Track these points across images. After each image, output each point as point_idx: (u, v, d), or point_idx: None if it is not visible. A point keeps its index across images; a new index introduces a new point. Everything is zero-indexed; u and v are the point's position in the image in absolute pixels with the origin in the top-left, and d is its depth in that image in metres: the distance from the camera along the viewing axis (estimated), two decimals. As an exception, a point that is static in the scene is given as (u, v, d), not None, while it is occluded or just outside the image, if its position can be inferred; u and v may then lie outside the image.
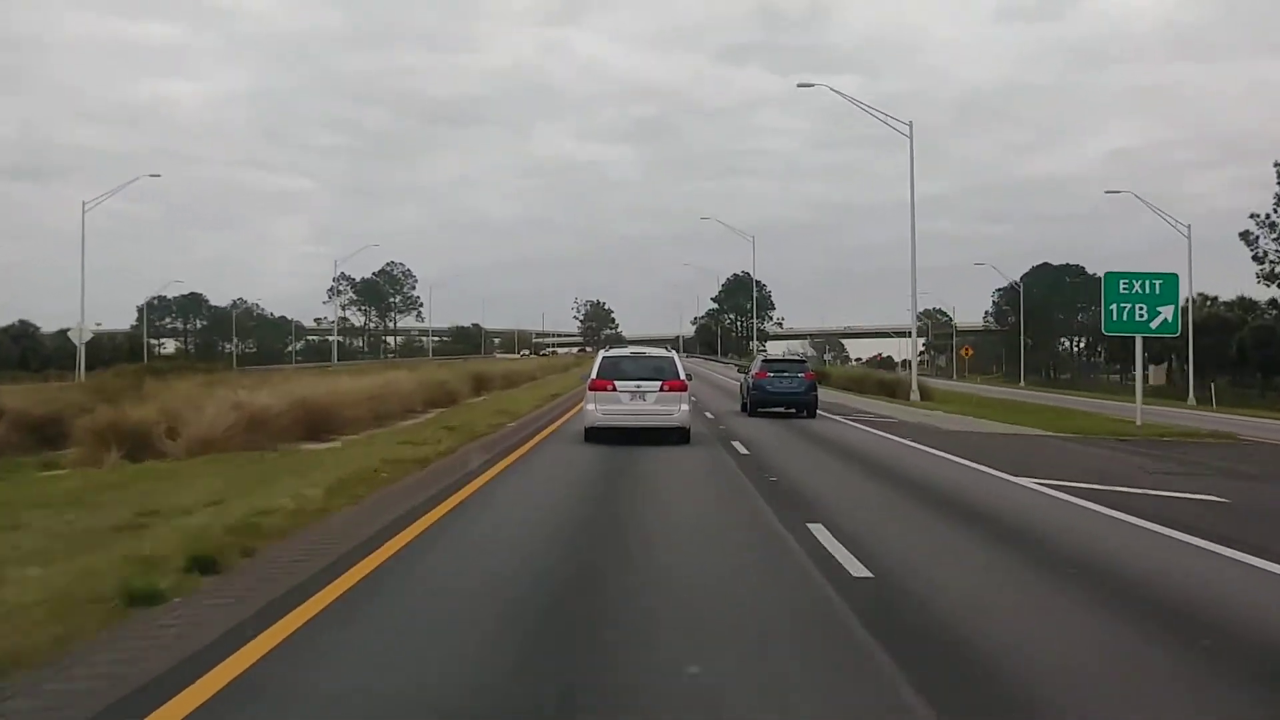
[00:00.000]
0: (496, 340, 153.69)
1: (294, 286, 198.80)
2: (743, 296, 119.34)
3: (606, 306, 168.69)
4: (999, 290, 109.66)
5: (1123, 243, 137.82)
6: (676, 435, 18.39)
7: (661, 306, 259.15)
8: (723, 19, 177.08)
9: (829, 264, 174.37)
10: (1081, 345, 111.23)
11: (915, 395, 38.98)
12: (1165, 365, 78.76)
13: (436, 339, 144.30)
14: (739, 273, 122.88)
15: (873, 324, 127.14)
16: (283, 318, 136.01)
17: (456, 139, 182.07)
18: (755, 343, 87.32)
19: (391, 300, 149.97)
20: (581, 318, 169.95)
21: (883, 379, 50.47)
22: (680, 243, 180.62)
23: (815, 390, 28.52)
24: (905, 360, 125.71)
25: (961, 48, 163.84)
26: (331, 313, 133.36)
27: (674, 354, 20.50)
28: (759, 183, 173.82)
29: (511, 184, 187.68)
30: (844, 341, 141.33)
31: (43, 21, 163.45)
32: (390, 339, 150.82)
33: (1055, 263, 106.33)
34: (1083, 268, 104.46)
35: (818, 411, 27.57)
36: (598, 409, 18.69)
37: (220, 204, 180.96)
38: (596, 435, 18.22)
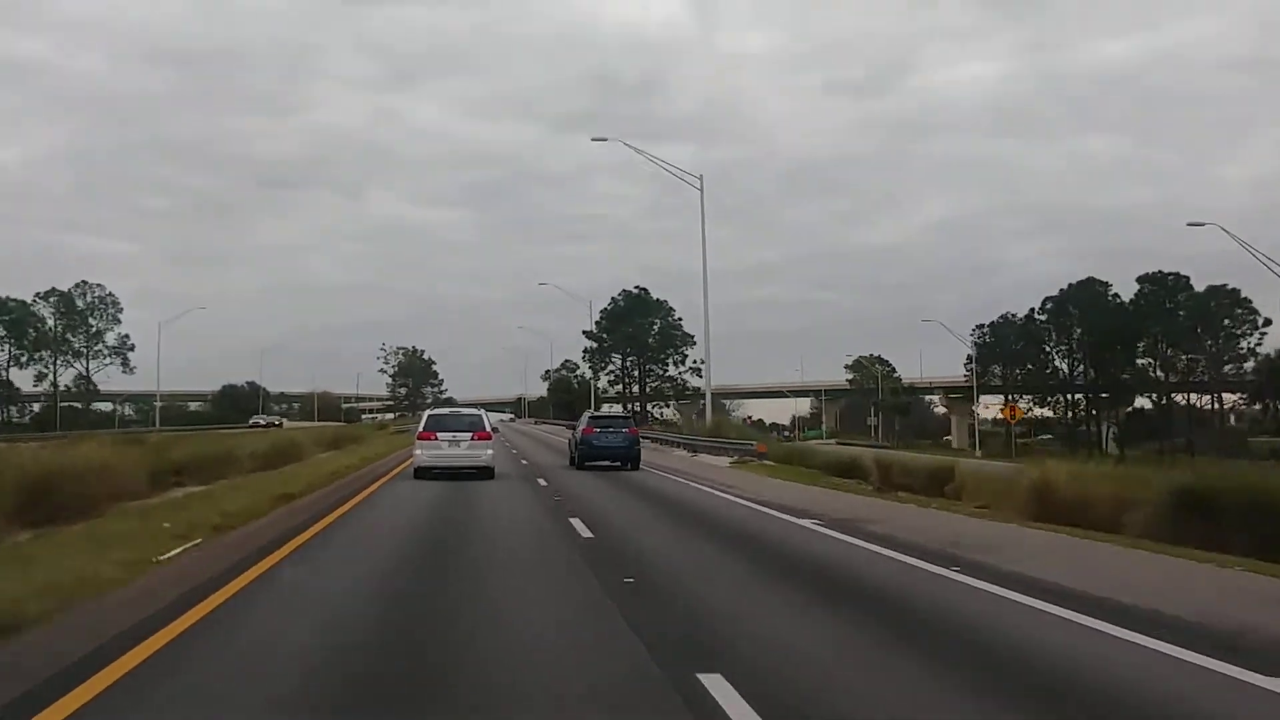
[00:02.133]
0: (296, 405, 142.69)
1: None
2: (635, 330, 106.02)
3: (425, 356, 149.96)
4: (976, 342, 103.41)
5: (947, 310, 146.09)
6: (485, 473, 24.71)
7: (500, 371, 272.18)
8: (558, 87, 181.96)
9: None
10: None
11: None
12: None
13: (198, 403, 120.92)
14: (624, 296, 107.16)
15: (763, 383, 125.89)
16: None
17: (287, 202, 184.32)
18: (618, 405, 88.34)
19: (73, 344, 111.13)
20: (393, 371, 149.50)
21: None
22: (517, 307, 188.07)
23: (638, 445, 31.29)
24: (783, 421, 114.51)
25: (792, 119, 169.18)
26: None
27: (483, 413, 28.26)
28: (597, 248, 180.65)
29: (344, 248, 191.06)
30: (746, 401, 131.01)
31: None
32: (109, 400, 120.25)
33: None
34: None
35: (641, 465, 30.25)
36: (424, 454, 25.14)
37: (35, 267, 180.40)
38: (424, 474, 24.39)
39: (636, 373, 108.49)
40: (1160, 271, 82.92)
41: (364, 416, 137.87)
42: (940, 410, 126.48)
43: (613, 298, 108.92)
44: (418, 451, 25.42)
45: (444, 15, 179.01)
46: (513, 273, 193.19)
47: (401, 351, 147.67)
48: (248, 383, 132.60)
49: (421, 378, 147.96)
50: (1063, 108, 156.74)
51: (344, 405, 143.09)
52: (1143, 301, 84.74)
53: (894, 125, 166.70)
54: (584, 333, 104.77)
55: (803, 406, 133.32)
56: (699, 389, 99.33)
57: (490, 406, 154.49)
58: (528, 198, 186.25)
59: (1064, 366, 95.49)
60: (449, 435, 25.27)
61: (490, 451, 25.54)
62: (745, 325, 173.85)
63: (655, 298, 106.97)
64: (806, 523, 15.39)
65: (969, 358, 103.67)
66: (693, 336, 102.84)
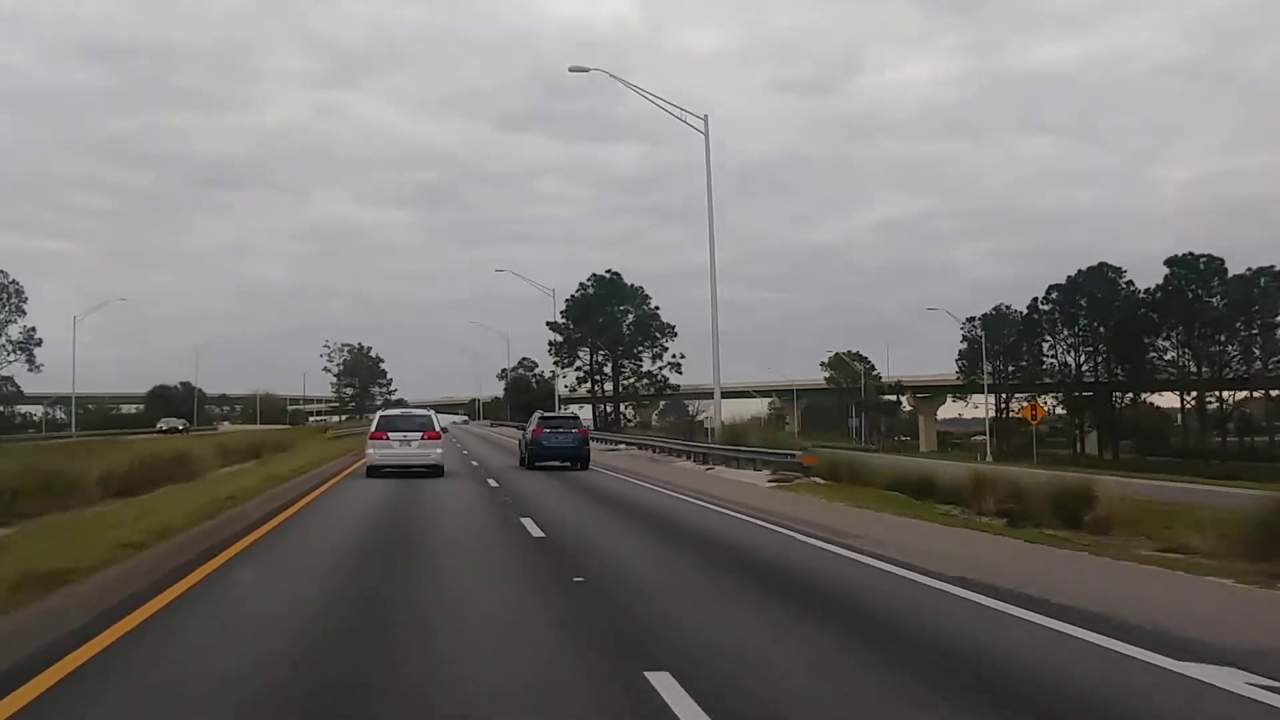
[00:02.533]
0: (238, 408, 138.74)
1: (54, 355, 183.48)
2: (607, 320, 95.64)
3: (373, 354, 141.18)
4: (966, 335, 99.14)
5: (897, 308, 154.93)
6: (434, 471, 26.00)
7: (453, 372, 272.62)
8: (503, 86, 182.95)
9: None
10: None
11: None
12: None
13: (132, 405, 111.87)
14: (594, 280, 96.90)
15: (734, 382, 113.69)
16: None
17: (229, 202, 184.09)
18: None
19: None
20: (338, 370, 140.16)
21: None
22: (466, 308, 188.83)
23: (588, 445, 31.71)
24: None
25: (741, 119, 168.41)
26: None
27: (432, 413, 29.36)
28: (543, 249, 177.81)
29: (287, 248, 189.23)
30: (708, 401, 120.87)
31: None
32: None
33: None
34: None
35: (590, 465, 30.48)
36: (376, 452, 26.22)
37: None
38: (376, 472, 25.53)
39: (609, 368, 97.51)
40: (1190, 254, 75.88)
41: (311, 419, 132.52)
42: (908, 409, 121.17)
43: (581, 283, 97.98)
44: (370, 450, 26.48)
45: (386, 10, 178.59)
46: (461, 273, 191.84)
47: (347, 349, 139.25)
48: (181, 383, 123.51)
49: (369, 377, 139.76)
50: (1001, 111, 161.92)
51: (290, 407, 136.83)
52: (1171, 286, 77.41)
53: (842, 125, 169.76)
54: (547, 324, 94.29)
55: (759, 408, 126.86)
56: (678, 386, 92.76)
57: (443, 408, 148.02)
58: (473, 198, 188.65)
59: (1070, 360, 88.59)
60: (400, 435, 26.41)
61: (439, 450, 26.81)
62: (699, 326, 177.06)
63: (630, 283, 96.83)
64: (1042, 620, 8.24)
65: (960, 354, 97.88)
66: (673, 327, 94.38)
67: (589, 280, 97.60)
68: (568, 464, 30.19)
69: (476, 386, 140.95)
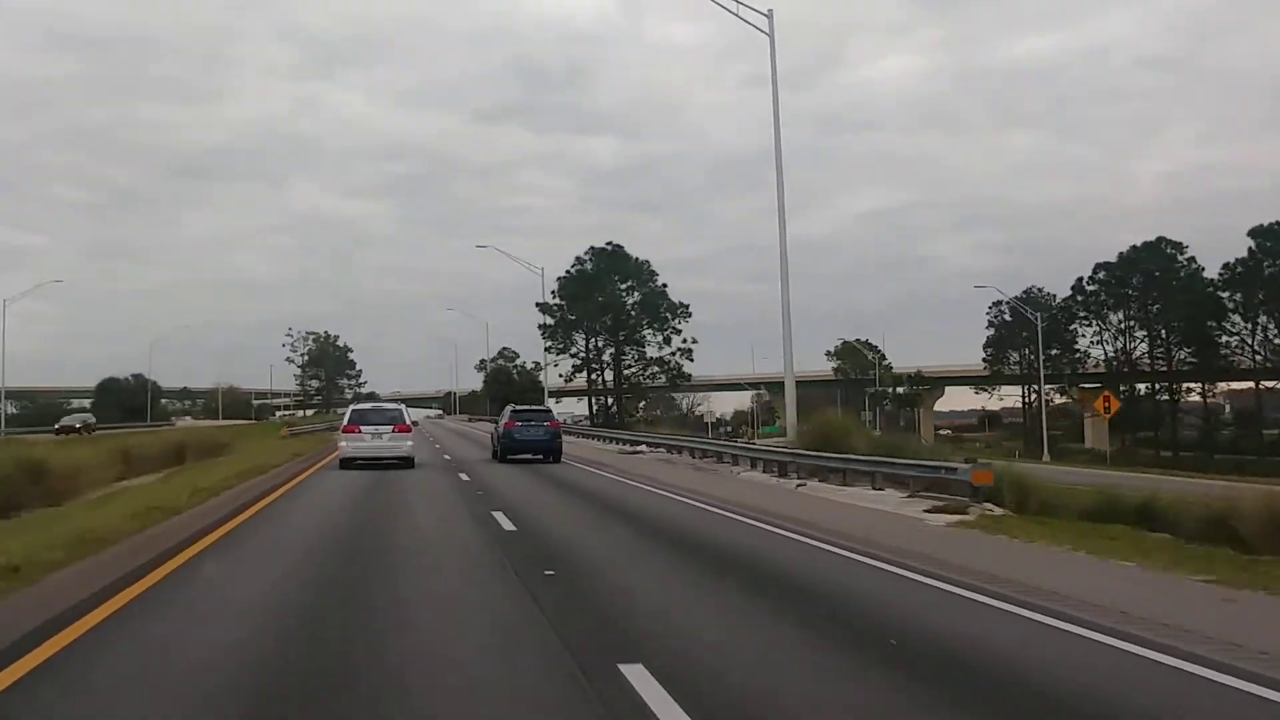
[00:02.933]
0: (199, 402, 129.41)
1: (16, 348, 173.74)
2: (608, 300, 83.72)
3: (340, 343, 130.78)
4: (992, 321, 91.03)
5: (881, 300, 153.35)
6: (405, 463, 26.96)
7: (429, 365, 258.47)
8: (483, 77, 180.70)
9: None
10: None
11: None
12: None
13: (86, 399, 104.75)
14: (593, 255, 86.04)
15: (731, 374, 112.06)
16: None
17: (207, 194, 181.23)
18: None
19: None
20: (303, 360, 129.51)
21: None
22: (443, 300, 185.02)
23: (560, 438, 32.08)
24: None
25: (719, 111, 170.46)
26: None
27: (403, 407, 30.43)
28: (523, 241, 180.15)
29: (266, 240, 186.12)
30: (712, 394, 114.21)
31: None
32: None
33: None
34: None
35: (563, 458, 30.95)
36: (349, 445, 27.11)
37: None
38: (349, 464, 26.48)
39: (610, 355, 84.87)
40: (1277, 223, 67.30)
41: (279, 413, 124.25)
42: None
43: (577, 258, 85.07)
44: (343, 444, 27.39)
45: (366, 1, 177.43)
46: (438, 266, 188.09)
47: (312, 337, 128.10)
48: (132, 376, 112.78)
49: (336, 368, 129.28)
50: (978, 105, 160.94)
51: (256, 401, 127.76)
52: (1253, 261, 68.57)
53: (822, 119, 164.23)
54: (537, 305, 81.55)
55: (742, 400, 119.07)
56: (690, 376, 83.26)
57: (417, 402, 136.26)
58: (453, 190, 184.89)
59: (1110, 347, 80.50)
60: (371, 428, 27.34)
61: (410, 443, 28.05)
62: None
63: (634, 257, 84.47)
64: None
65: (988, 340, 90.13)
66: (686, 306, 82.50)
67: (586, 254, 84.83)
68: (540, 456, 30.46)
69: (452, 379, 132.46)
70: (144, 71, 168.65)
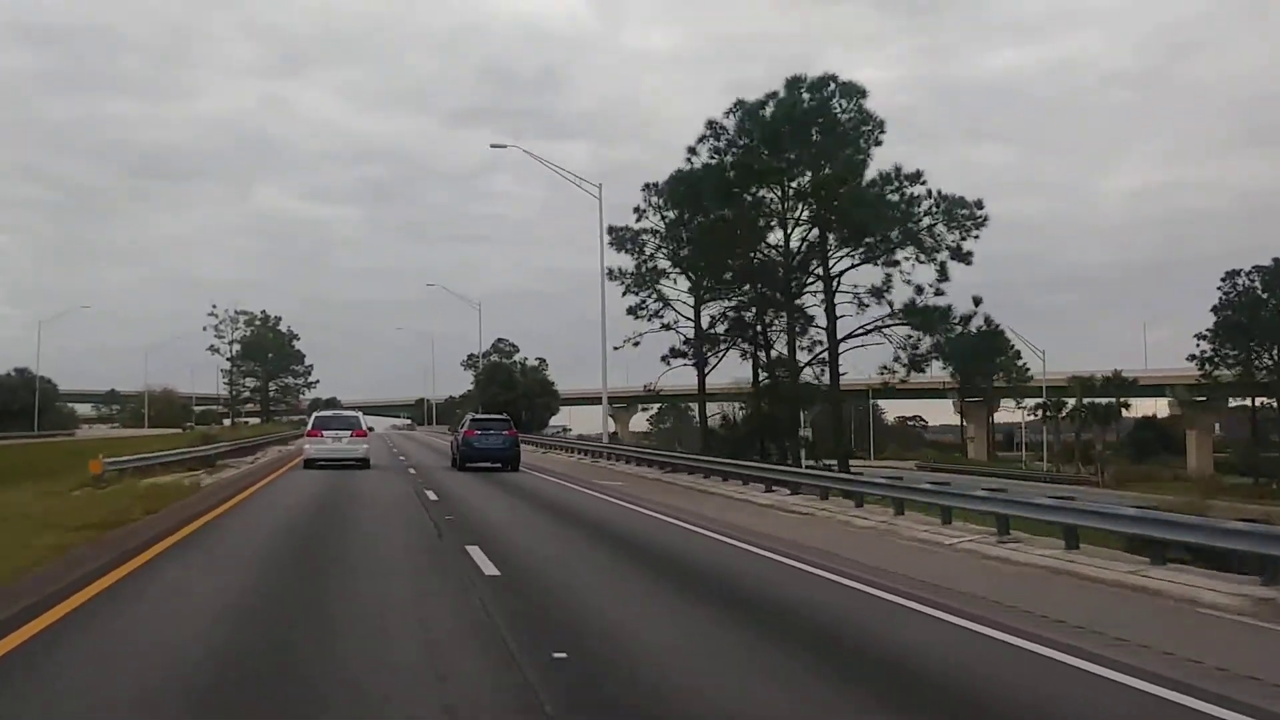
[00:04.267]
0: (116, 409, 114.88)
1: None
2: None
3: (284, 328, 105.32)
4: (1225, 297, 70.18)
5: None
6: (362, 464, 30.32)
7: (398, 372, 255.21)
8: (453, 80, 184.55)
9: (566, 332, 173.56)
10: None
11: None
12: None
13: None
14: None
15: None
16: None
17: (169, 194, 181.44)
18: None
19: None
20: (234, 353, 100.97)
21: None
22: (412, 308, 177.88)
23: (518, 446, 33.24)
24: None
25: (691, 122, 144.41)
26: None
27: (359, 414, 34.34)
28: (493, 248, 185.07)
29: (229, 243, 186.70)
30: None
31: None
32: None
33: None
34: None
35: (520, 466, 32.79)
36: (312, 447, 30.57)
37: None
38: (312, 464, 29.69)
39: (768, 317, 44.22)
40: None
41: (190, 424, 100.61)
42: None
43: (738, 103, 43.30)
44: (307, 446, 31.05)
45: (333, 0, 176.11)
46: (406, 273, 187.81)
47: (245, 318, 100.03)
48: (15, 370, 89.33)
49: (280, 362, 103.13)
50: (948, 118, 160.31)
51: (197, 407, 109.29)
52: None
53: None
54: (609, 235, 45.34)
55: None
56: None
57: (385, 410, 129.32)
58: (422, 195, 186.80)
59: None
60: (332, 433, 30.98)
61: (366, 446, 31.63)
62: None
63: (855, 99, 42.45)
64: None
65: (1208, 334, 67.59)
66: (979, 204, 41.52)
67: (766, 98, 42.85)
68: (498, 465, 31.72)
69: (425, 385, 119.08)
70: (103, 65, 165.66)
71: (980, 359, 67.67)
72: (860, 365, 50.57)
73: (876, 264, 41.31)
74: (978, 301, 41.26)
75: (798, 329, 42.62)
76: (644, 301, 45.81)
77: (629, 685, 6.45)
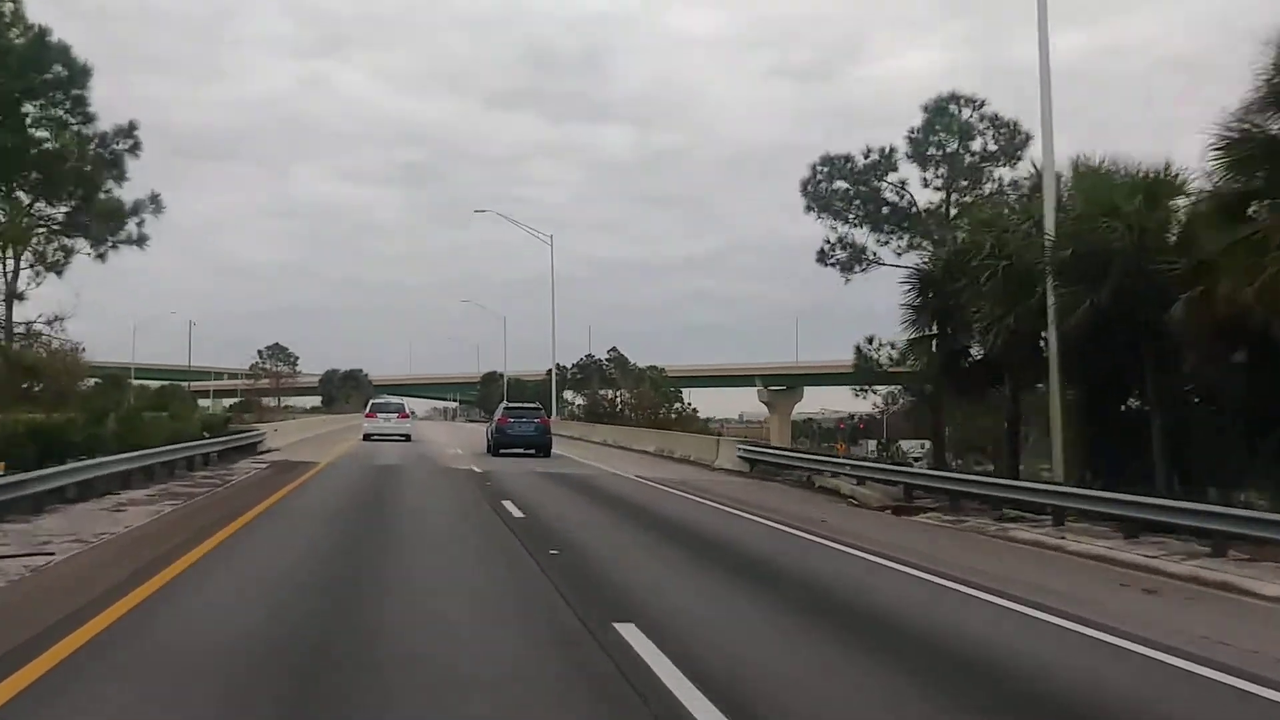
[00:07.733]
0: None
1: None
2: None
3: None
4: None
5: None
6: (406, 439, 40.60)
7: (439, 353, 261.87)
8: (493, 61, 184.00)
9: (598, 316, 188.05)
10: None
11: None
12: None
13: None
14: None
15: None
16: None
17: (204, 175, 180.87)
18: None
19: None
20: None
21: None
22: (452, 291, 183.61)
23: (549, 433, 35.74)
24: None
25: (736, 104, 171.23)
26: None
27: (404, 401, 48.36)
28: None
29: (267, 225, 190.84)
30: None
31: None
32: None
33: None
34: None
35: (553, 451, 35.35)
36: (369, 425, 42.48)
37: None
38: (369, 437, 40.51)
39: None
40: None
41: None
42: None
43: None
44: (365, 424, 43.04)
45: None
46: (444, 256, 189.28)
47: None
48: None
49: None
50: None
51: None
52: None
53: (838, 113, 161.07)
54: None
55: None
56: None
57: (436, 388, 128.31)
58: (460, 178, 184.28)
59: None
60: (384, 415, 43.03)
61: (409, 425, 44.10)
62: (685, 317, 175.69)
63: None
64: None
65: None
66: None
67: None
68: (531, 450, 33.56)
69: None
70: (134, 43, 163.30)
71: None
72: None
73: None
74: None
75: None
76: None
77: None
